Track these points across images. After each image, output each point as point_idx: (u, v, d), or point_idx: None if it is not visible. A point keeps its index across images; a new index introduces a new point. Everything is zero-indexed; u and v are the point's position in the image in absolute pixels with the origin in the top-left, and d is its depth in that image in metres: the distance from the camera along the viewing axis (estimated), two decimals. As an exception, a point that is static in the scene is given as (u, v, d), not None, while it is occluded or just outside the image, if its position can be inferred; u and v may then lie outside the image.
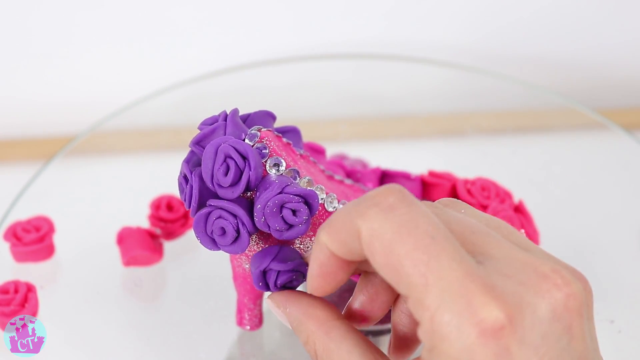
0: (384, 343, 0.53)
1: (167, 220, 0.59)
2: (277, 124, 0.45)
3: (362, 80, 0.79)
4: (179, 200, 0.60)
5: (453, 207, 0.38)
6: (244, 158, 0.41)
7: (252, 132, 0.42)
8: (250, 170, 0.40)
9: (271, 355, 0.55)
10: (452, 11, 0.78)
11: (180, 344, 0.55)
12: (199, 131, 0.42)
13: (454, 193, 0.57)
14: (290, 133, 0.45)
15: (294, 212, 0.41)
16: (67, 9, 0.74)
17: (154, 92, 0.72)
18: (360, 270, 0.40)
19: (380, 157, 0.62)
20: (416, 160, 0.69)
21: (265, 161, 0.42)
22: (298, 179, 0.42)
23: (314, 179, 0.44)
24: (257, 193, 0.41)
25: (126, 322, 0.57)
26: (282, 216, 0.41)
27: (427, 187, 0.56)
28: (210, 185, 0.41)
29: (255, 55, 0.78)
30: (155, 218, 0.60)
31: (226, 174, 0.40)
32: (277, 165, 0.41)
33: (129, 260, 0.58)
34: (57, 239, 0.59)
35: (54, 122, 0.78)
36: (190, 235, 0.60)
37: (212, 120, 0.43)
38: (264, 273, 0.42)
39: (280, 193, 0.40)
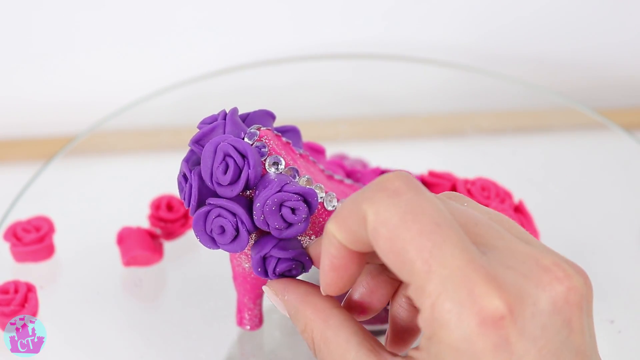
0: (383, 342, 0.53)
1: (167, 220, 0.59)
2: (277, 123, 0.45)
3: (362, 80, 0.79)
4: (179, 200, 0.60)
5: (456, 201, 0.38)
6: (243, 156, 0.41)
7: (252, 130, 0.42)
8: (249, 168, 0.40)
9: (271, 355, 0.55)
10: (452, 11, 0.78)
11: (180, 344, 0.55)
12: (198, 130, 0.42)
13: (454, 193, 0.57)
14: (289, 132, 0.45)
15: (293, 210, 0.41)
16: (68, 9, 0.74)
17: (154, 92, 0.72)
18: (372, 264, 0.39)
19: (380, 157, 0.62)
20: (416, 160, 0.69)
21: (265, 160, 0.42)
22: (297, 177, 0.42)
23: (314, 178, 0.44)
24: (257, 191, 0.41)
25: (126, 322, 0.57)
26: (281, 214, 0.41)
27: (427, 187, 0.56)
28: (209, 184, 0.41)
29: (255, 55, 0.78)
30: (155, 218, 0.60)
31: (225, 173, 0.40)
32: (276, 163, 0.41)
33: (129, 260, 0.58)
34: (57, 239, 0.59)
35: (54, 122, 0.78)
36: (190, 235, 0.60)
37: (211, 119, 0.43)
38: (264, 259, 0.42)
39: (279, 191, 0.40)
